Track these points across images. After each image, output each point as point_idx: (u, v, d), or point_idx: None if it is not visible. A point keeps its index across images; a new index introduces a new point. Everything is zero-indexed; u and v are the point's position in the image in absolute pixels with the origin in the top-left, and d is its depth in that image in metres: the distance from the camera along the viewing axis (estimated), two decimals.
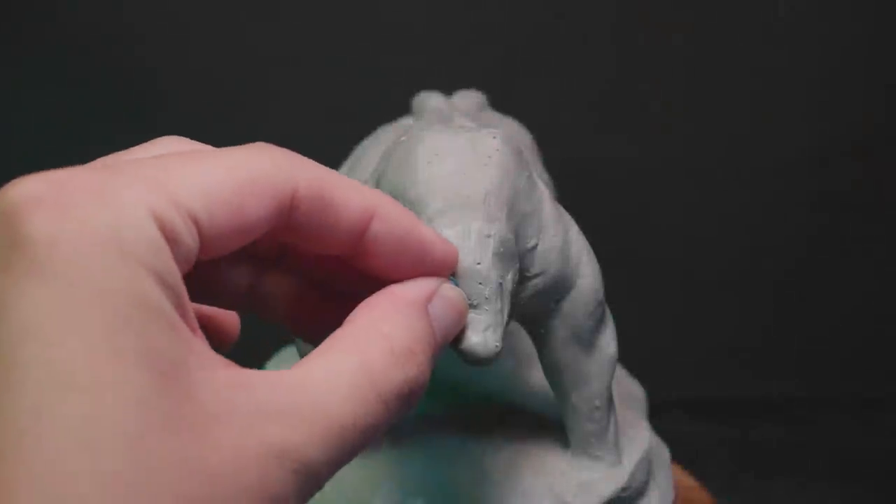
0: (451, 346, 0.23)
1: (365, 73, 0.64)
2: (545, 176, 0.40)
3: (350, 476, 0.32)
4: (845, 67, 0.64)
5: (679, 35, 0.64)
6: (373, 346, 0.20)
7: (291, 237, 0.21)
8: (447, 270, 0.23)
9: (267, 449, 0.17)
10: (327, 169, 0.21)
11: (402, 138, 0.27)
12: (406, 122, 0.41)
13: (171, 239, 0.18)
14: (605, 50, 0.65)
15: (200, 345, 0.18)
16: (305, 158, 0.21)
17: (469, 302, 0.23)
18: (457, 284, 0.23)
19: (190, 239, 0.18)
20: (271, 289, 0.24)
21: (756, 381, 0.68)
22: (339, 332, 0.20)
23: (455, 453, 0.33)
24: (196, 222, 0.18)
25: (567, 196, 0.35)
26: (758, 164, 0.66)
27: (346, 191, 0.21)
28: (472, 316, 0.23)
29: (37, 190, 0.17)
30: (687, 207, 0.66)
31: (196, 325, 0.18)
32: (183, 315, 0.18)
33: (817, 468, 0.59)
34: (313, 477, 0.18)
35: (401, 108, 0.42)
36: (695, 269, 0.67)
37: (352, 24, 0.64)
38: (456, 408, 0.36)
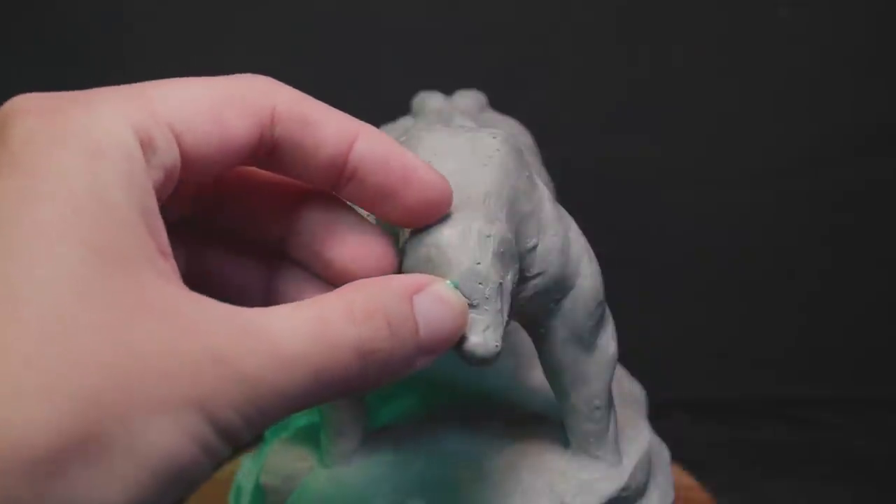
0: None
1: (365, 73, 0.64)
2: (545, 176, 0.40)
3: (350, 476, 0.32)
4: (847, 67, 0.64)
5: (680, 36, 0.64)
6: (334, 306, 0.20)
7: (275, 164, 0.22)
8: (435, 199, 0.23)
9: (204, 351, 0.17)
10: (309, 96, 0.22)
11: (402, 138, 0.27)
12: (406, 122, 0.41)
13: (147, 146, 0.19)
14: (605, 50, 0.65)
15: (161, 259, 0.18)
16: (288, 86, 0.22)
17: (469, 302, 0.23)
18: (457, 285, 0.23)
19: (168, 146, 0.19)
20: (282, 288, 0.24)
21: (757, 381, 0.68)
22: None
23: (455, 453, 0.33)
24: (176, 133, 0.20)
25: (567, 196, 0.35)
26: (757, 165, 0.66)
27: (327, 111, 0.22)
28: (472, 316, 0.23)
29: (28, 102, 0.19)
30: (687, 208, 0.66)
31: (166, 246, 0.19)
32: (148, 223, 0.18)
33: (818, 468, 0.59)
34: (252, 393, 0.18)
35: (401, 108, 0.42)
36: (695, 268, 0.67)
37: (352, 23, 0.64)
38: (456, 408, 0.36)
